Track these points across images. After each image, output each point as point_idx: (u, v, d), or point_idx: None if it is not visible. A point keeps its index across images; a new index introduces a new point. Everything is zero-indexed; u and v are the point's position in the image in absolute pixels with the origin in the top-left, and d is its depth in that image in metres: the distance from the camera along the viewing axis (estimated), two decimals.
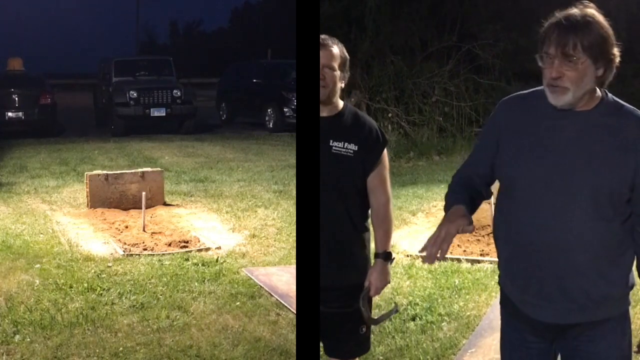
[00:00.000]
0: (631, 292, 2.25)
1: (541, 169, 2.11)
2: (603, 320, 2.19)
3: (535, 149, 2.13)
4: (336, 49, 2.78)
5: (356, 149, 2.79)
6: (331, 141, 2.77)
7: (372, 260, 2.93)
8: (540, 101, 2.14)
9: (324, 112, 2.78)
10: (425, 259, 2.13)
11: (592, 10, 2.08)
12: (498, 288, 4.94)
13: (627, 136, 2.08)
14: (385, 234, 2.91)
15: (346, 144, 2.78)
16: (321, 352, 3.04)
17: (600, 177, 2.07)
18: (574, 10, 2.07)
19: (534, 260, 2.15)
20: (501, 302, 2.38)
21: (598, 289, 2.14)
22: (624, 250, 2.17)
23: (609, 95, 2.17)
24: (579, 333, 2.20)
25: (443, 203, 2.36)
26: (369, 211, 2.92)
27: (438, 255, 2.10)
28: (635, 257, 2.19)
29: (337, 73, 2.78)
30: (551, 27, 2.06)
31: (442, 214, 2.49)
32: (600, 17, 2.07)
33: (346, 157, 2.78)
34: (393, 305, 3.07)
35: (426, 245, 2.12)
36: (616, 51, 2.09)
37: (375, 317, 3.00)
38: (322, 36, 2.76)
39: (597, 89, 2.14)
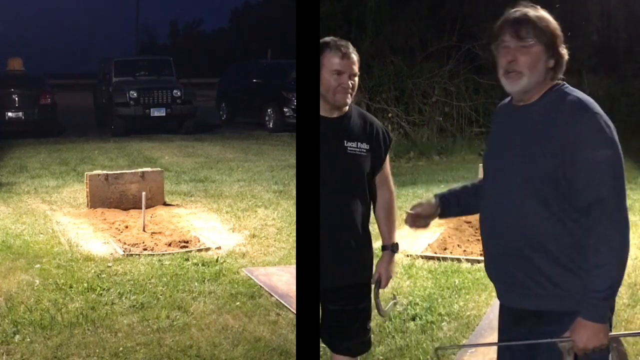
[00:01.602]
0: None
1: (493, 161, 2.33)
2: (563, 315, 2.17)
3: (493, 144, 2.38)
4: (355, 55, 2.82)
5: (368, 147, 2.87)
6: (345, 142, 2.82)
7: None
8: (507, 104, 2.36)
9: (334, 114, 2.82)
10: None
11: (542, 11, 2.25)
12: None
13: (558, 121, 2.14)
14: (391, 227, 3.09)
15: (359, 144, 2.85)
16: (321, 352, 3.04)
17: (531, 162, 2.15)
18: (524, 8, 2.25)
19: (490, 246, 2.34)
20: None
21: (547, 277, 2.18)
22: (582, 243, 2.14)
23: (563, 86, 2.23)
24: (539, 325, 2.22)
25: None
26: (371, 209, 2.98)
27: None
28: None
29: (357, 77, 2.85)
30: (506, 20, 2.25)
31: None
32: (549, 16, 2.24)
33: (361, 157, 2.85)
34: (392, 297, 3.16)
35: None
36: (565, 50, 2.23)
37: (385, 309, 3.08)
38: (340, 42, 2.78)
39: (550, 82, 2.24)
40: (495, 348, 3.93)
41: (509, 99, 2.36)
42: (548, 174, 2.12)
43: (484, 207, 2.36)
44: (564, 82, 2.24)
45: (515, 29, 2.19)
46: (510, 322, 2.37)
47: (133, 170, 8.02)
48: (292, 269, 5.37)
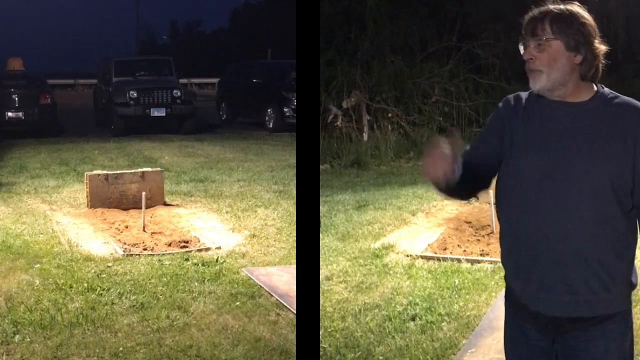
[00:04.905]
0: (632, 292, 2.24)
1: (540, 161, 2.16)
2: (602, 319, 2.18)
3: (534, 142, 2.19)
4: None
5: None
6: None
7: None
8: (539, 97, 2.22)
9: None
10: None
11: (572, 6, 2.18)
12: (498, 288, 4.97)
13: (623, 124, 2.11)
14: None
15: None
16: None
17: (599, 165, 2.10)
18: (551, 4, 2.19)
19: (535, 251, 2.17)
20: (505, 296, 2.39)
21: (599, 281, 2.14)
22: (628, 244, 2.17)
23: (605, 88, 2.21)
24: (578, 332, 2.20)
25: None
26: None
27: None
28: None
29: None
30: (526, 18, 2.20)
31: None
32: (579, 10, 2.18)
33: None
34: None
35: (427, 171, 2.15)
36: (599, 45, 2.17)
37: None
38: None
39: (593, 84, 2.19)
40: (495, 348, 3.94)
41: (527, 93, 2.27)
42: (619, 175, 2.10)
43: (525, 212, 2.18)
44: (601, 84, 2.21)
45: (532, 27, 2.17)
46: (540, 331, 2.26)
47: (133, 170, 8.02)
48: (292, 269, 5.37)
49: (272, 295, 4.86)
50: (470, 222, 6.91)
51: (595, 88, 2.20)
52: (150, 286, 5.03)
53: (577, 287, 2.15)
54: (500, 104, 2.36)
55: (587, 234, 2.11)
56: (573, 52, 2.14)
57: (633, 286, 2.22)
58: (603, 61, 2.19)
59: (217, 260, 5.67)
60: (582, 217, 2.11)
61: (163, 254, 5.84)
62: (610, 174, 2.10)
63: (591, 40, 2.15)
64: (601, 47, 2.17)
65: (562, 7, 2.17)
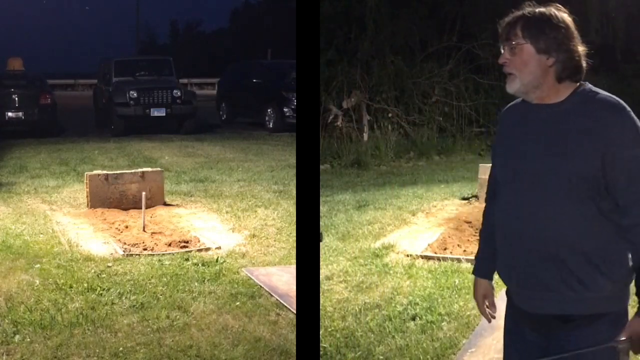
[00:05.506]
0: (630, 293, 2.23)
1: (515, 162, 2.23)
2: (592, 319, 2.17)
3: (511, 145, 2.27)
4: None
5: None
6: None
7: None
8: (524, 103, 2.28)
9: None
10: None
11: (548, 9, 2.21)
12: (498, 288, 4.97)
13: (594, 121, 2.11)
14: None
15: None
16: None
17: (568, 162, 2.11)
18: (527, 8, 2.23)
19: (513, 251, 2.25)
20: (506, 292, 2.44)
21: (577, 280, 2.14)
22: (612, 244, 2.15)
23: (587, 86, 2.22)
24: (567, 330, 2.20)
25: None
26: None
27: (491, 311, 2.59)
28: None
29: None
30: (503, 23, 2.27)
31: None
32: (554, 12, 2.20)
33: None
34: None
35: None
36: (576, 46, 2.18)
37: None
38: None
39: (576, 83, 2.20)
40: (495, 348, 3.94)
41: (519, 100, 2.31)
42: (588, 174, 2.10)
43: (505, 212, 2.26)
44: (586, 82, 2.22)
45: (505, 31, 2.23)
46: (532, 328, 2.30)
47: (133, 170, 8.02)
48: (292, 269, 5.37)
49: (272, 295, 4.86)
50: (470, 222, 6.91)
51: (571, 86, 2.20)
52: (150, 286, 5.03)
53: (554, 286, 2.17)
54: (498, 119, 2.45)
55: (561, 234, 2.14)
56: (544, 54, 2.16)
57: (624, 286, 2.20)
58: (585, 61, 2.20)
59: (217, 260, 5.67)
60: (553, 218, 2.14)
61: (163, 254, 5.84)
62: (579, 171, 2.10)
63: (565, 42, 2.16)
64: (578, 48, 2.18)
65: (536, 10, 2.20)
